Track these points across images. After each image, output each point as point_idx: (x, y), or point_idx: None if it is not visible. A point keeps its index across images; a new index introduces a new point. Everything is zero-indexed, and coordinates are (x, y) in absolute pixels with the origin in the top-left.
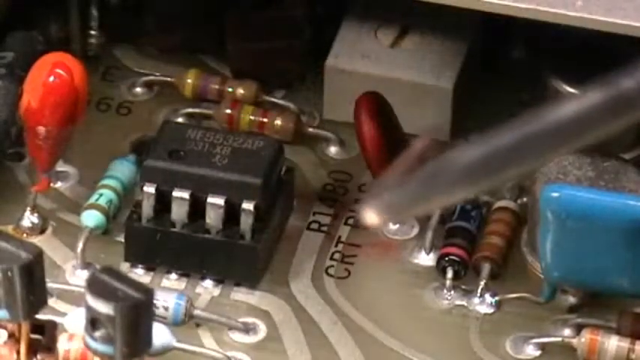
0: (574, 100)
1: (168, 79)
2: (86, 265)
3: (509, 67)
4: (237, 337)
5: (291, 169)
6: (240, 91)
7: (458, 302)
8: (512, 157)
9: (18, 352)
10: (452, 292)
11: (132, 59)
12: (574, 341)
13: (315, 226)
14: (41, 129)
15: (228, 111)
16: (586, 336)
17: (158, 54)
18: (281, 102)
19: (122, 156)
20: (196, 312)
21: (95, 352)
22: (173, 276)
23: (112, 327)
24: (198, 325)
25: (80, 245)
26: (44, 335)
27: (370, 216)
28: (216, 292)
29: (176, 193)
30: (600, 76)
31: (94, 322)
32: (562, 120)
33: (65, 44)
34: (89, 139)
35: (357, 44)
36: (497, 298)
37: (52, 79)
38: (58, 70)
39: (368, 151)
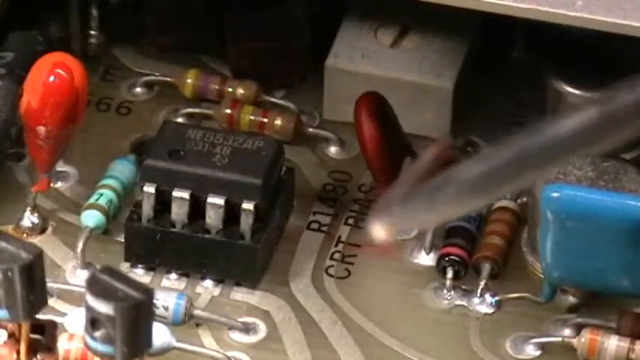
0: (574, 116)
1: (168, 79)
2: (86, 265)
3: (509, 67)
4: (237, 337)
5: (291, 169)
6: (240, 91)
7: (458, 302)
8: (515, 170)
9: (18, 352)
10: (452, 292)
11: (132, 59)
12: (574, 341)
13: (315, 226)
14: (41, 129)
15: (228, 111)
16: (586, 336)
17: (158, 54)
18: (281, 102)
19: (122, 156)
20: (196, 312)
21: (95, 352)
22: (173, 276)
23: (112, 327)
24: (198, 325)
25: (80, 245)
26: (44, 335)
27: (379, 231)
28: (216, 292)
29: (176, 193)
30: (602, 78)
31: (94, 322)
32: (562, 135)
33: (65, 44)
34: (89, 139)
35: (357, 44)
36: (497, 298)
37: (52, 79)
38: (58, 70)
39: (368, 151)
